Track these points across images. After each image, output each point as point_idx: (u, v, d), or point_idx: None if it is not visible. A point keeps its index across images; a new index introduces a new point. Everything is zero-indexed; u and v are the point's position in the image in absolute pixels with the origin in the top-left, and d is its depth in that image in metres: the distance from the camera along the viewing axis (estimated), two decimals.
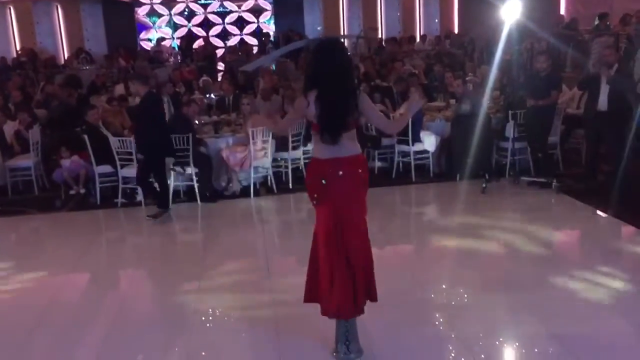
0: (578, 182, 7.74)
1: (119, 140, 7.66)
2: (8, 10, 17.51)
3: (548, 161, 7.93)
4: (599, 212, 6.63)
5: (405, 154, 8.43)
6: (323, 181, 3.68)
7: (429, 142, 8.34)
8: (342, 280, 3.69)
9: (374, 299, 3.86)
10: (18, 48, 17.34)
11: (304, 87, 3.78)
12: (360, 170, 3.70)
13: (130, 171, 7.66)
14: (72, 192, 7.99)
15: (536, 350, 3.89)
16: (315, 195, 3.75)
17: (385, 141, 8.54)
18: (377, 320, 4.01)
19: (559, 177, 7.65)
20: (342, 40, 4.28)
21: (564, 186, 7.45)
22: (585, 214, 6.68)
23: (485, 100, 7.99)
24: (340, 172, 3.65)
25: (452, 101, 9.27)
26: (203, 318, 4.61)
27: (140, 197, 7.78)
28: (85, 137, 7.65)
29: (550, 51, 10.20)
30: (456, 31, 18.80)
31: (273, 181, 8.13)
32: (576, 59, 12.28)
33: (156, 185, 7.19)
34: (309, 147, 8.67)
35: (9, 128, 9.05)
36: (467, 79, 9.17)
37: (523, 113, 7.83)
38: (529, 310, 4.42)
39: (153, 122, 6.93)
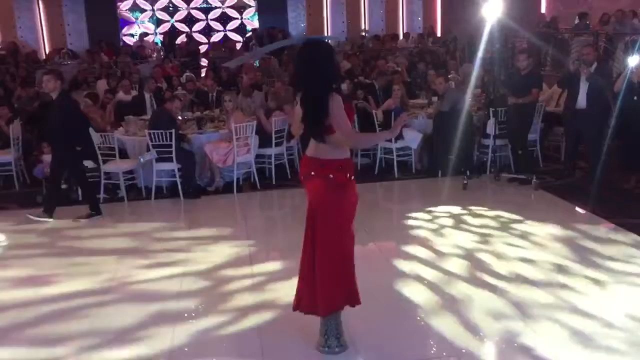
0: (557, 178, 7.87)
1: (101, 136, 7.62)
2: None
3: (528, 158, 8.05)
4: (577, 209, 6.76)
5: (388, 151, 8.49)
6: (302, 177, 3.82)
7: (411, 139, 8.41)
8: (304, 274, 3.86)
9: (353, 304, 3.89)
10: None
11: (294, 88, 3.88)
12: (331, 175, 3.68)
13: (113, 166, 7.63)
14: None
15: (515, 345, 3.97)
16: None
17: None
18: (359, 315, 4.05)
19: (539, 174, 7.77)
20: (326, 40, 4.21)
21: (543, 183, 7.58)
22: (564, 210, 6.80)
23: (467, 98, 8.07)
24: (312, 173, 3.73)
25: (434, 99, 9.34)
26: (185, 314, 4.63)
27: (122, 193, 7.75)
28: None
29: (530, 50, 10.34)
30: (439, 29, 18.94)
31: (256, 177, 8.15)
32: (556, 57, 12.45)
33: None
34: (292, 143, 8.73)
35: None
36: (449, 76, 9.25)
37: (504, 110, 7.93)
38: (508, 306, 4.49)
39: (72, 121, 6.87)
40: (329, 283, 3.75)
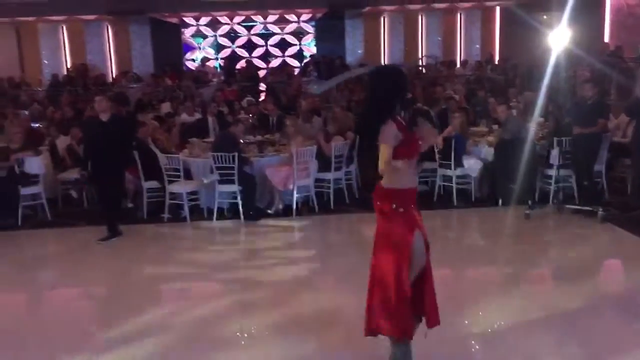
0: (624, 211, 7.63)
1: (167, 157, 7.87)
2: (61, 29, 18.22)
3: (593, 189, 7.83)
4: None
5: (447, 178, 8.44)
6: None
7: (471, 166, 8.34)
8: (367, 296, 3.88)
9: (399, 336, 3.81)
10: (69, 66, 17.99)
11: None
12: (378, 202, 3.78)
13: (177, 187, 7.86)
14: (121, 206, 8.20)
15: None
16: None
17: (426, 164, 8.56)
18: (417, 345, 4.01)
19: (604, 206, 7.55)
20: (395, 67, 4.23)
21: (609, 215, 7.35)
22: (632, 244, 6.58)
23: (530, 127, 7.96)
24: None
25: (495, 126, 9.25)
26: (246, 335, 4.70)
27: (185, 213, 7.96)
28: (136, 153, 7.88)
29: (595, 79, 10.12)
30: (497, 57, 18.79)
31: (315, 201, 8.23)
32: (622, 86, 12.14)
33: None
34: (351, 168, 8.78)
35: (61, 142, 9.39)
36: (511, 104, 9.15)
37: (568, 140, 7.78)
38: (573, 341, 4.37)
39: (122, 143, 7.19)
40: (369, 307, 3.84)
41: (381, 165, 3.64)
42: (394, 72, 3.86)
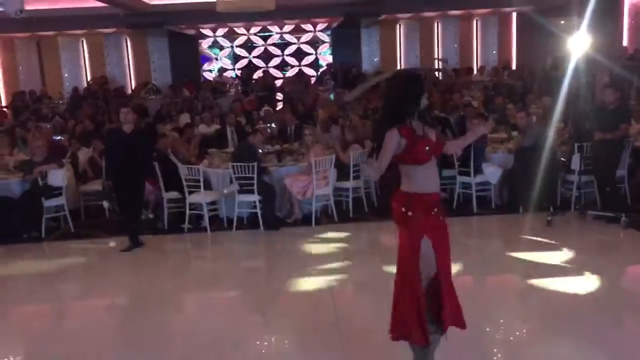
0: None
1: (187, 168, 7.94)
2: (80, 43, 18.50)
3: (616, 195, 7.74)
4: None
5: (467, 185, 8.40)
6: None
7: (490, 173, 8.30)
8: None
9: (414, 342, 3.79)
10: (89, 78, 18.24)
11: None
12: (393, 206, 3.81)
13: (197, 197, 7.91)
14: (141, 216, 8.29)
15: None
16: None
17: (446, 172, 8.52)
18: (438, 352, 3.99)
19: (627, 212, 7.46)
20: (410, 72, 4.22)
21: (633, 221, 7.26)
22: None
23: (550, 133, 7.90)
24: None
25: (514, 133, 9.20)
26: (266, 344, 4.71)
27: (205, 223, 8.00)
28: (156, 164, 7.96)
29: (615, 83, 10.03)
30: (514, 62, 18.69)
31: (334, 209, 8.23)
32: None
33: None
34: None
35: (83, 154, 9.52)
36: (530, 110, 9.09)
37: (590, 146, 7.71)
38: (595, 349, 4.32)
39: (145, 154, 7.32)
40: (392, 309, 3.85)
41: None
42: (407, 77, 3.83)
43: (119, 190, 7.34)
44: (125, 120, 7.23)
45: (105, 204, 7.95)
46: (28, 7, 10.63)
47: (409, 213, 3.70)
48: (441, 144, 3.83)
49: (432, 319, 3.77)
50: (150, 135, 8.30)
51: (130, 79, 18.76)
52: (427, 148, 3.66)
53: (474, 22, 19.33)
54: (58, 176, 8.17)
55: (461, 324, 3.84)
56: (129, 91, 17.90)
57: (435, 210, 3.75)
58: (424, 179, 3.73)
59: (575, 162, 7.75)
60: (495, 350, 4.42)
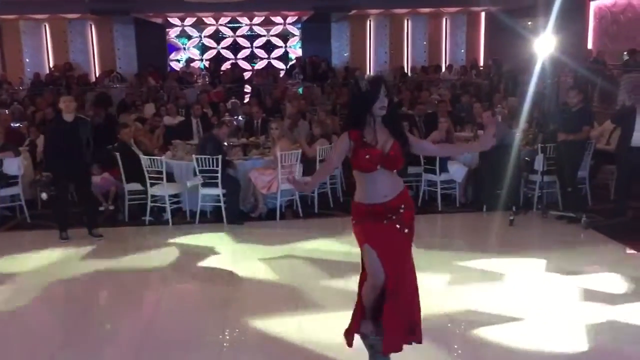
0: (607, 218, 7.66)
1: (150, 159, 7.76)
2: (43, 28, 17.99)
3: (577, 196, 7.86)
4: (628, 250, 6.56)
5: (432, 183, 8.42)
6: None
7: (455, 172, 8.33)
8: None
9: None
10: (51, 65, 17.75)
11: None
12: None
13: (160, 190, 7.75)
14: (101, 208, 8.09)
15: None
16: None
17: (412, 169, 8.53)
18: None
19: (587, 213, 7.57)
20: (371, 78, 4.22)
21: (593, 222, 7.37)
22: (615, 251, 6.60)
23: (515, 133, 7.97)
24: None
25: (480, 132, 9.26)
26: (230, 338, 4.62)
27: (167, 216, 7.85)
28: (117, 154, 7.76)
29: (578, 85, 10.19)
30: (482, 62, 18.89)
31: (299, 205, 8.16)
32: (605, 93, 12.24)
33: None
34: (335, 172, 8.72)
35: (42, 143, 9.21)
36: (496, 110, 9.17)
37: (553, 147, 7.80)
38: (554, 343, 4.36)
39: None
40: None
41: None
42: (357, 83, 3.75)
43: (60, 181, 7.14)
44: (66, 109, 7.00)
45: (44, 195, 7.73)
46: None
47: (352, 220, 3.75)
48: (395, 157, 3.63)
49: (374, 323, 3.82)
50: (93, 126, 7.97)
51: (95, 67, 18.34)
52: (367, 157, 3.60)
53: (443, 20, 19.48)
54: (14, 164, 7.90)
55: (395, 347, 3.72)
56: (93, 79, 17.50)
57: (391, 217, 3.64)
58: (368, 189, 3.67)
59: (539, 163, 7.83)
60: (456, 347, 4.42)
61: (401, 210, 3.67)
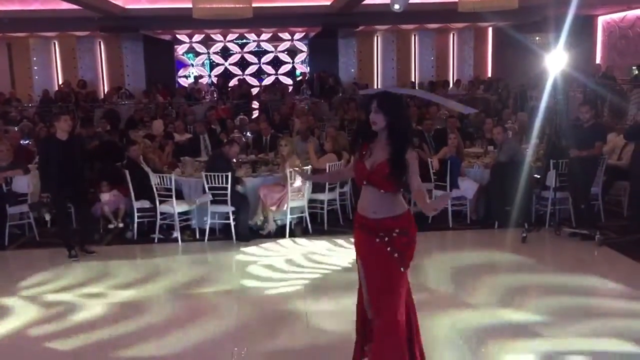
0: (621, 235, 7.56)
1: (159, 177, 7.73)
2: (52, 45, 18.13)
3: (590, 212, 7.76)
4: None
5: None
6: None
7: (466, 188, 8.26)
8: None
9: None
10: (60, 82, 17.86)
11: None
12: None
13: (169, 207, 7.71)
14: (110, 225, 8.06)
15: None
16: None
17: (422, 185, 8.45)
18: None
19: (601, 229, 7.48)
20: (364, 93, 4.35)
21: (607, 239, 7.27)
22: (631, 269, 6.49)
23: (526, 149, 7.90)
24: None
25: (490, 148, 9.20)
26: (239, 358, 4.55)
27: (176, 233, 7.80)
28: (126, 171, 7.74)
29: (588, 100, 10.13)
30: (489, 77, 18.87)
31: (309, 222, 8.10)
32: (614, 107, 12.18)
33: None
34: (345, 188, 8.66)
35: None
36: (506, 126, 9.10)
37: (565, 163, 7.72)
38: None
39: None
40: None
41: None
42: (359, 100, 3.93)
43: (58, 201, 7.09)
44: (62, 128, 6.95)
45: (47, 215, 7.70)
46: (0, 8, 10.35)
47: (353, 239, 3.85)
48: (375, 177, 3.55)
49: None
50: (115, 142, 7.98)
51: (103, 83, 18.43)
52: (357, 170, 3.69)
53: (451, 35, 19.50)
54: (23, 182, 7.89)
55: None
56: (102, 96, 17.58)
57: (383, 237, 3.57)
58: (361, 200, 3.75)
59: (551, 179, 7.75)
60: None
61: (394, 234, 3.57)
